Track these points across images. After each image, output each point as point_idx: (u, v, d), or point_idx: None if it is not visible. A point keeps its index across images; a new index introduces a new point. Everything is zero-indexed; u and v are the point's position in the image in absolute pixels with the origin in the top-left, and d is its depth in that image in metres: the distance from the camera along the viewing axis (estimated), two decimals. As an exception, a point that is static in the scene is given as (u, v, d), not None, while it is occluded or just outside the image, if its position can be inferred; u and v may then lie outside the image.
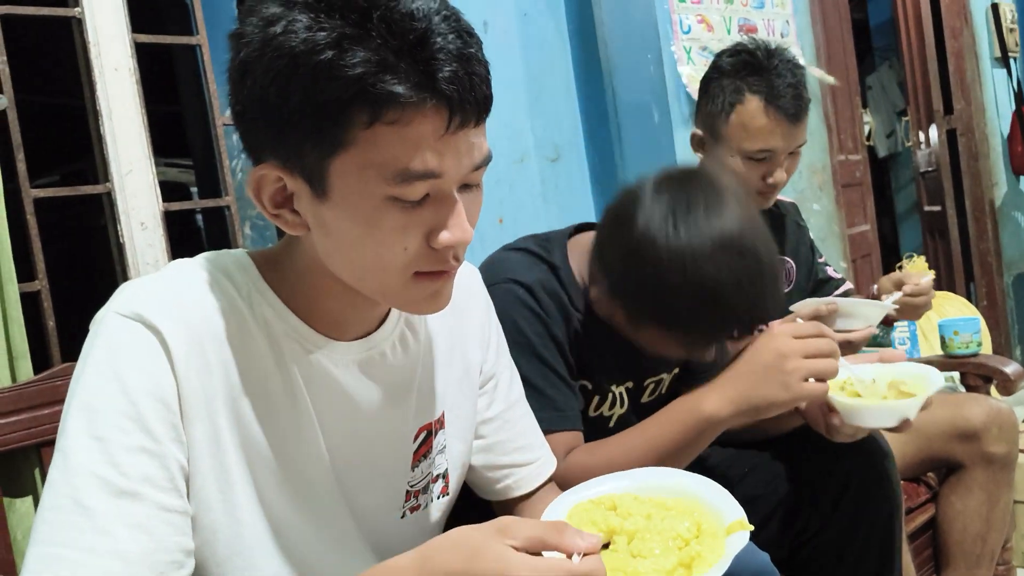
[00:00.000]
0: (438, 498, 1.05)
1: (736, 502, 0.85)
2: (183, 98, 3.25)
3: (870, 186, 3.73)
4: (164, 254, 1.76)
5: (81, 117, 1.79)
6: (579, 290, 1.34)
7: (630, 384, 1.42)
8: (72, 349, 1.62)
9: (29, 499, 1.49)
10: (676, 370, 1.49)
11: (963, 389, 2.11)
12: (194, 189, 4.02)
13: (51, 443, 1.42)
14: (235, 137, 2.39)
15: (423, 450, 1.00)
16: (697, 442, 1.22)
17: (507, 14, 2.38)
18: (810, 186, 3.11)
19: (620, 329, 1.27)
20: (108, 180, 1.71)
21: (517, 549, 0.68)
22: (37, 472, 1.48)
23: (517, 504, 1.13)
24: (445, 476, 1.05)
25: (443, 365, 1.02)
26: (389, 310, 0.95)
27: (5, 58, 1.58)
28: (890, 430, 1.20)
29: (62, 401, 1.43)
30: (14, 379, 1.48)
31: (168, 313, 0.80)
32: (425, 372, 1.00)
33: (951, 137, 4.25)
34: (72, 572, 0.72)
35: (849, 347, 1.57)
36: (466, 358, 1.06)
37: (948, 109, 4.22)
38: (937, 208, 4.36)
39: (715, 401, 1.19)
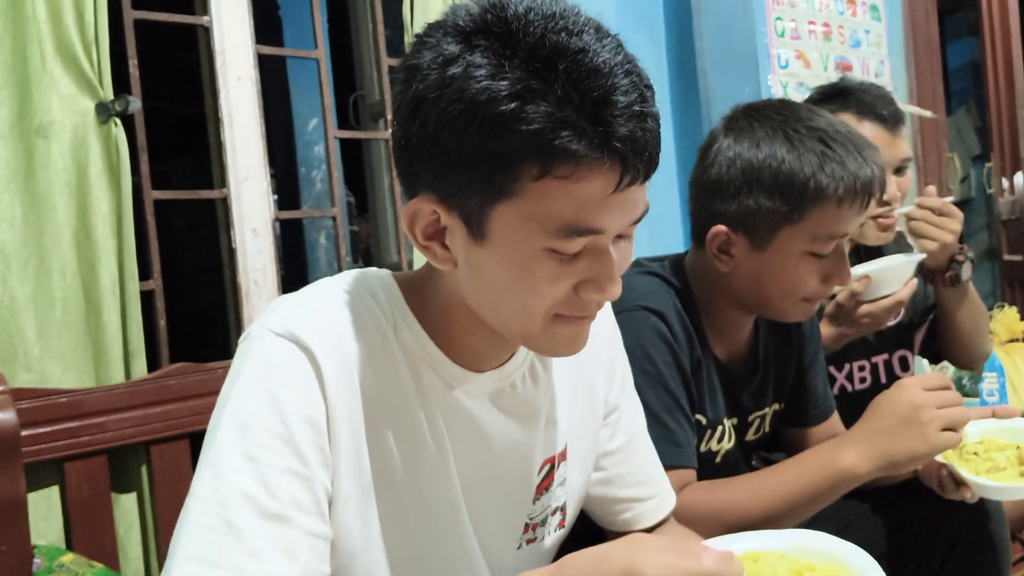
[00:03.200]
0: (554, 531, 1.04)
1: (881, 571, 0.82)
2: (270, 108, 3.32)
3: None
4: (273, 261, 1.78)
5: (191, 122, 1.83)
6: (700, 316, 1.33)
7: (736, 420, 1.41)
8: (179, 350, 1.66)
9: (134, 495, 1.52)
10: (776, 406, 1.47)
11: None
12: (274, 197, 4.10)
13: (160, 441, 1.48)
14: (317, 148, 2.44)
15: (546, 483, 1.00)
16: (830, 495, 1.19)
17: (609, 41, 2.38)
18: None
19: (746, 289, 1.28)
20: (225, 186, 1.74)
21: None
22: (144, 469, 1.51)
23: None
24: (563, 509, 1.04)
25: (568, 395, 1.02)
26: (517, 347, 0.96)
27: (136, 61, 1.62)
28: None
29: (173, 400, 1.49)
30: (128, 376, 1.51)
31: (321, 335, 0.81)
32: (551, 404, 0.99)
33: (1036, 185, 4.16)
34: None
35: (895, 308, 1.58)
36: (591, 389, 1.05)
37: (1035, 157, 4.14)
38: (1018, 257, 4.27)
39: (854, 456, 1.16)
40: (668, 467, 1.21)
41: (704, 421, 1.34)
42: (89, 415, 1.41)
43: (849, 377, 1.78)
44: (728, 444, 1.38)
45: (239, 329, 1.76)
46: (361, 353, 0.83)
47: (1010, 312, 2.80)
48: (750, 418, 1.43)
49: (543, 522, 1.02)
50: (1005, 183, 4.33)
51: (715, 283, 1.33)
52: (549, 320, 0.81)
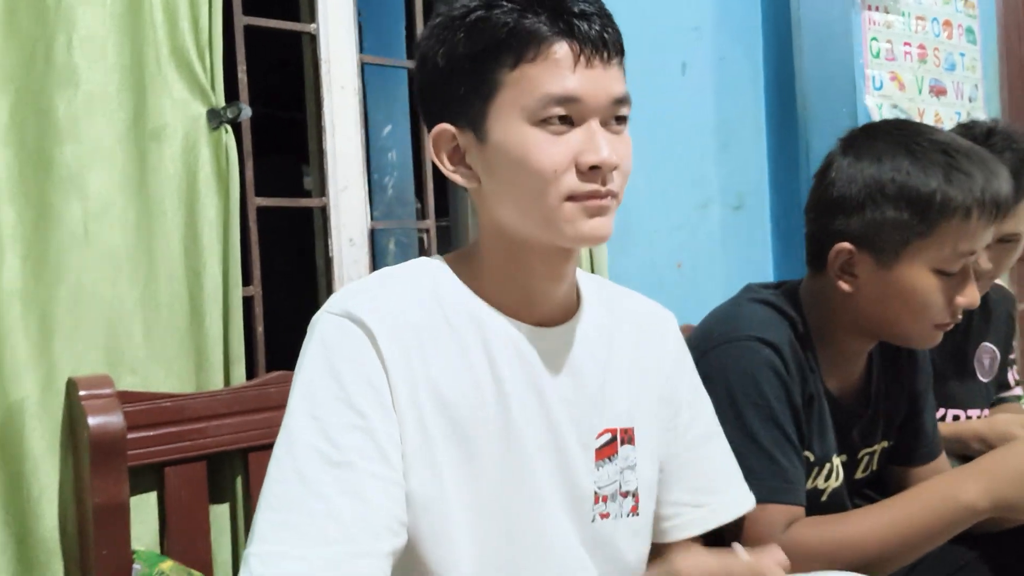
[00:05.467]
0: (627, 515, 1.05)
1: None
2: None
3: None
4: (368, 271, 1.78)
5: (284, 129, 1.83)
6: (814, 347, 1.29)
7: (845, 457, 1.36)
8: (276, 358, 1.65)
9: (227, 506, 1.51)
10: (885, 443, 1.42)
11: None
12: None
13: (258, 448, 1.47)
14: (390, 155, 2.39)
15: (608, 452, 1.03)
16: (948, 532, 1.15)
17: (705, 57, 2.35)
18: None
19: (871, 311, 1.25)
20: (325, 195, 1.74)
21: None
22: (240, 480, 1.50)
23: (667, 548, 1.11)
24: (635, 495, 1.06)
25: (634, 379, 1.06)
26: (577, 308, 1.03)
27: (245, 67, 1.62)
28: None
29: (272, 408, 1.48)
30: (227, 382, 1.50)
31: (373, 307, 0.91)
32: (612, 379, 1.04)
33: None
34: (295, 534, 0.81)
35: None
36: (660, 391, 1.10)
37: None
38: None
39: (974, 491, 1.12)
40: (778, 503, 1.17)
41: (812, 458, 1.29)
42: (191, 420, 1.41)
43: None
44: (835, 483, 1.34)
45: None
46: (412, 320, 0.92)
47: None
48: (859, 455, 1.39)
49: (613, 497, 1.03)
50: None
51: (834, 309, 1.29)
52: (563, 201, 0.90)
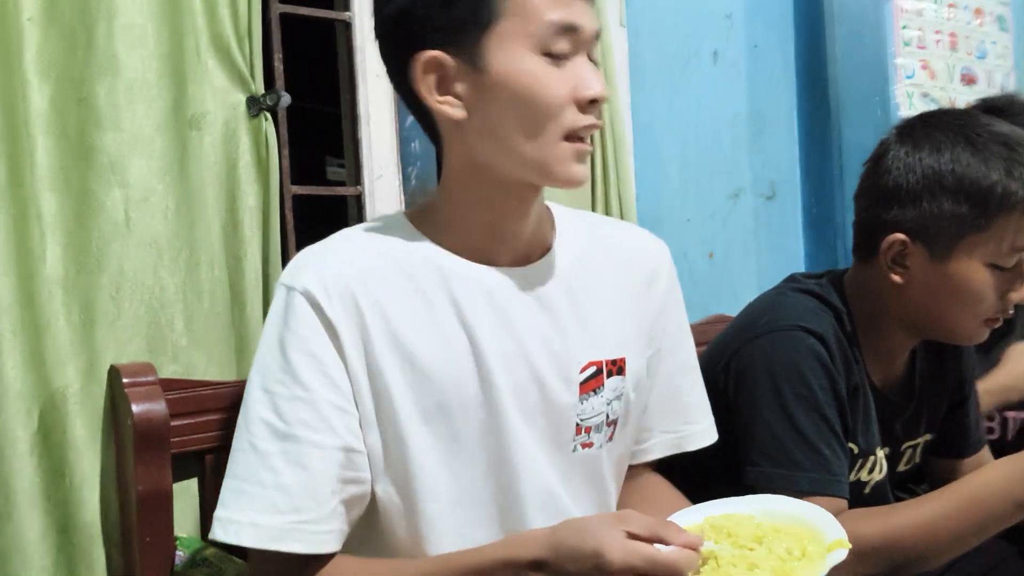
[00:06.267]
0: (608, 441, 1.08)
1: (840, 525, 0.91)
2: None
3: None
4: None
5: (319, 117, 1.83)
6: (859, 338, 1.27)
7: (888, 450, 1.34)
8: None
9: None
10: (928, 436, 1.41)
11: None
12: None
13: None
14: (413, 145, 2.35)
15: (593, 384, 1.04)
16: (999, 526, 1.12)
17: (738, 46, 2.33)
18: None
19: (921, 304, 1.23)
20: (360, 183, 1.74)
21: (632, 536, 0.81)
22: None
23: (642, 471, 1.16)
24: (615, 424, 1.08)
25: (623, 316, 1.08)
26: (549, 247, 1.04)
27: (281, 56, 1.62)
28: None
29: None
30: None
31: (318, 277, 0.93)
32: (597, 310, 1.06)
33: None
34: (249, 502, 0.90)
35: None
36: (646, 318, 1.11)
37: None
38: None
39: None
40: (822, 495, 1.15)
41: (856, 450, 1.27)
42: (232, 408, 1.40)
43: None
44: (879, 475, 1.32)
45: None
46: (366, 277, 0.95)
47: None
48: (903, 448, 1.37)
49: (599, 428, 1.06)
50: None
51: (881, 301, 1.27)
52: (561, 138, 0.92)
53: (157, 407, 1.30)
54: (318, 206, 1.88)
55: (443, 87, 0.93)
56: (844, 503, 1.19)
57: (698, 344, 1.23)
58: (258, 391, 0.93)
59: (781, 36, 2.44)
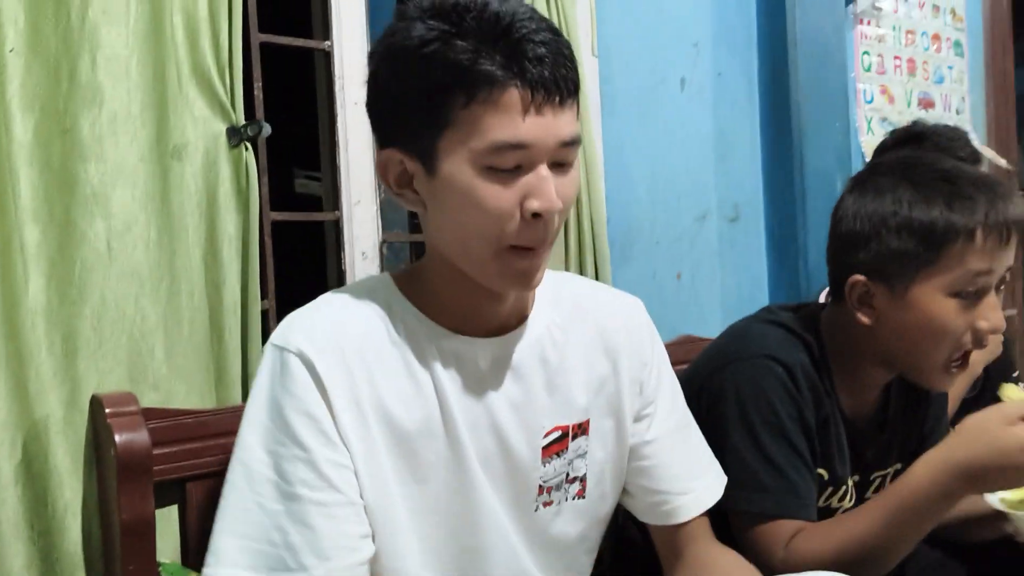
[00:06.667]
0: (573, 499, 1.11)
1: None
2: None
3: (1020, 271, 3.63)
4: (379, 284, 1.79)
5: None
6: (831, 370, 1.32)
7: (858, 477, 1.39)
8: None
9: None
10: (898, 466, 1.45)
11: None
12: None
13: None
14: None
15: (557, 448, 1.08)
16: (935, 519, 1.16)
17: (704, 73, 2.39)
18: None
19: (893, 342, 1.27)
20: (338, 208, 1.76)
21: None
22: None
23: (675, 534, 1.17)
24: (583, 480, 1.11)
25: (591, 380, 1.11)
26: (526, 318, 1.07)
27: (261, 84, 1.64)
28: None
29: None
30: (246, 397, 1.51)
31: (313, 339, 0.95)
32: (566, 378, 1.08)
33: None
34: (258, 561, 0.91)
35: None
36: (627, 381, 1.13)
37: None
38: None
39: (955, 478, 1.12)
40: (789, 518, 1.21)
41: (826, 476, 1.32)
42: (213, 436, 1.42)
43: None
44: (848, 503, 1.37)
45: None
46: (357, 344, 0.97)
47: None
48: (872, 476, 1.42)
49: (558, 486, 1.09)
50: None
51: (855, 339, 1.32)
52: (503, 248, 0.93)
53: (139, 436, 1.31)
54: (293, 228, 1.89)
55: (403, 180, 0.96)
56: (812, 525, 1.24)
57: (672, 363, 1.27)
58: (260, 451, 0.94)
59: (745, 63, 2.49)
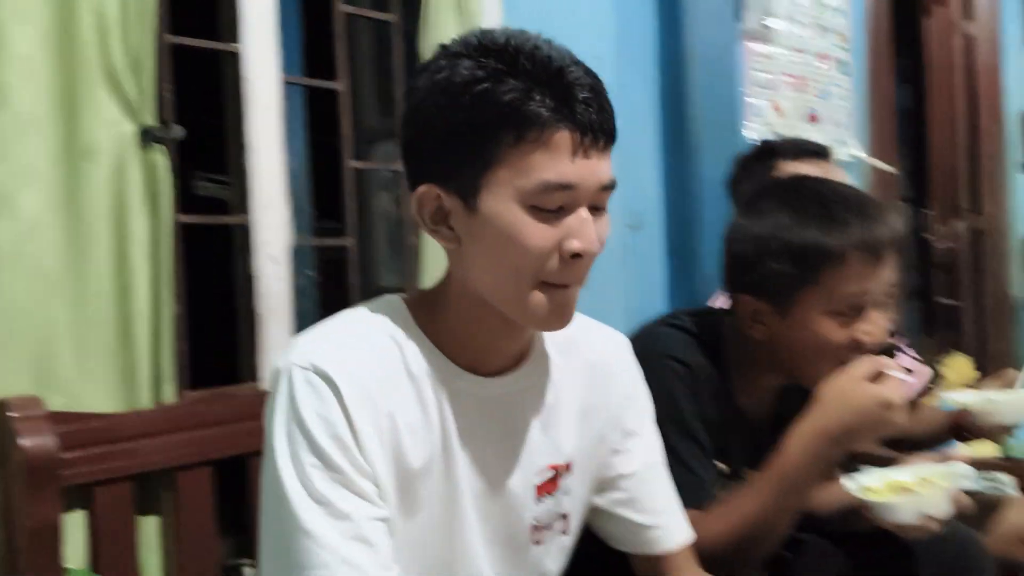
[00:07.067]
0: (558, 535, 1.13)
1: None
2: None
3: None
4: (288, 287, 1.80)
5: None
6: (729, 373, 1.40)
7: (754, 473, 1.47)
8: (198, 376, 1.66)
9: (156, 523, 1.52)
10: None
11: (1019, 493, 2.18)
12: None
13: (187, 467, 1.48)
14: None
15: (550, 487, 1.10)
16: (810, 485, 1.28)
17: (606, 85, 2.44)
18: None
19: (783, 355, 1.35)
20: (246, 212, 1.76)
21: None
22: (169, 498, 1.51)
23: (656, 563, 1.20)
24: (566, 517, 1.13)
25: (581, 417, 1.12)
26: (528, 355, 1.07)
27: (170, 86, 1.63)
28: (927, 528, 1.27)
29: (202, 427, 1.50)
30: (155, 401, 1.51)
31: (339, 362, 0.93)
32: (560, 418, 1.10)
33: (973, 235, 4.39)
34: None
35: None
36: (609, 415, 1.15)
37: (973, 207, 4.37)
38: (953, 302, 4.49)
39: (823, 442, 1.25)
40: (700, 507, 1.28)
41: (727, 471, 1.40)
42: (121, 440, 1.41)
43: None
44: None
45: (254, 356, 1.77)
46: (376, 374, 0.95)
47: (961, 360, 2.94)
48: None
49: (549, 526, 1.11)
50: (943, 230, 4.55)
51: (751, 348, 1.40)
52: (538, 284, 0.93)
53: (45, 440, 1.30)
54: (196, 232, 1.88)
55: (439, 217, 0.96)
56: None
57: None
58: (294, 482, 0.90)
59: (645, 77, 2.58)
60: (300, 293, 2.98)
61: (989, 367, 4.25)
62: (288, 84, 1.88)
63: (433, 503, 1.00)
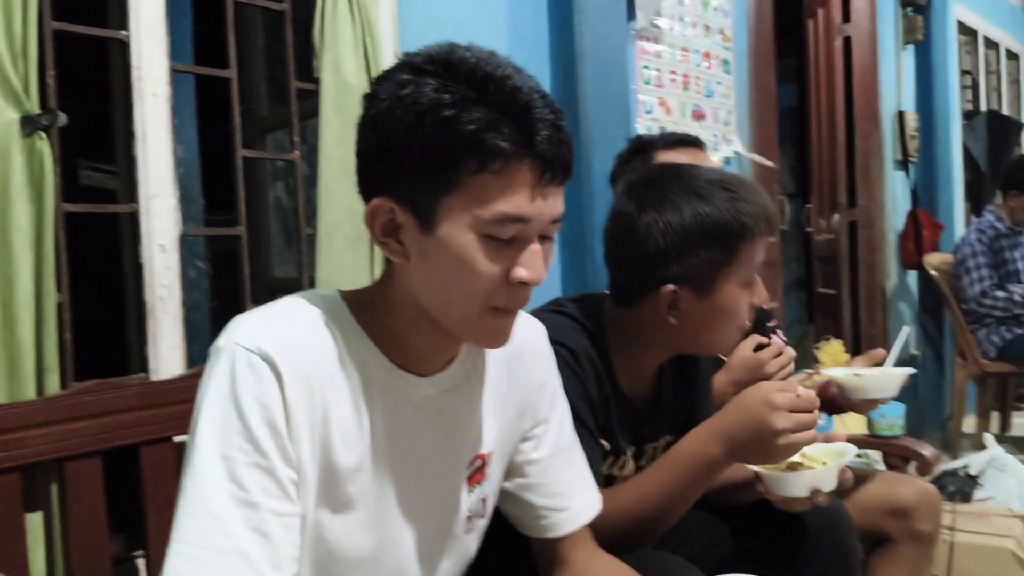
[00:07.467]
0: (480, 519, 1.18)
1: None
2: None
3: (780, 265, 4.02)
4: (179, 278, 1.79)
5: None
6: (610, 357, 1.47)
7: (634, 449, 1.55)
8: (83, 366, 1.64)
9: (41, 515, 1.50)
10: (669, 438, 1.63)
11: (884, 468, 2.33)
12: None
13: (74, 458, 1.47)
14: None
15: (478, 477, 1.14)
16: (701, 486, 1.36)
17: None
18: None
19: (692, 334, 1.43)
20: (135, 201, 1.74)
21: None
22: (55, 488, 1.49)
23: (554, 545, 1.25)
24: (485, 500, 1.18)
25: (500, 403, 1.16)
26: (456, 354, 1.09)
27: (54, 73, 1.60)
28: (815, 501, 1.37)
29: (88, 417, 1.50)
30: (40, 391, 1.49)
31: (283, 349, 0.93)
32: (485, 410, 1.13)
33: (851, 228, 4.62)
34: (206, 571, 0.87)
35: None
36: (523, 401, 1.19)
37: (851, 202, 4.60)
38: (832, 291, 4.71)
39: (715, 445, 1.32)
40: None
41: (609, 447, 1.47)
42: (6, 431, 1.39)
43: None
44: (628, 472, 1.53)
45: (143, 346, 1.76)
46: (317, 363, 0.95)
47: (835, 344, 3.10)
48: (646, 447, 1.58)
49: (480, 513, 1.16)
50: (823, 223, 4.77)
51: (636, 333, 1.47)
52: (485, 309, 0.95)
53: (-75, 432, 1.27)
54: (83, 221, 1.85)
55: (389, 230, 0.96)
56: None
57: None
58: (214, 456, 0.89)
59: (538, 73, 2.61)
60: (193, 284, 2.97)
61: (863, 351, 4.51)
62: (177, 72, 1.86)
63: (363, 502, 1.01)
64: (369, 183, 0.97)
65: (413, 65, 0.92)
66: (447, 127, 0.88)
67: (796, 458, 1.41)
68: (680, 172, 1.44)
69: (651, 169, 1.50)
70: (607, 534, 1.33)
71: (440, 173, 0.90)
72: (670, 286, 1.40)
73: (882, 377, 1.84)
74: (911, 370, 1.88)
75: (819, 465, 1.41)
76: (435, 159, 0.89)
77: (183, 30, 2.80)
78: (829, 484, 1.36)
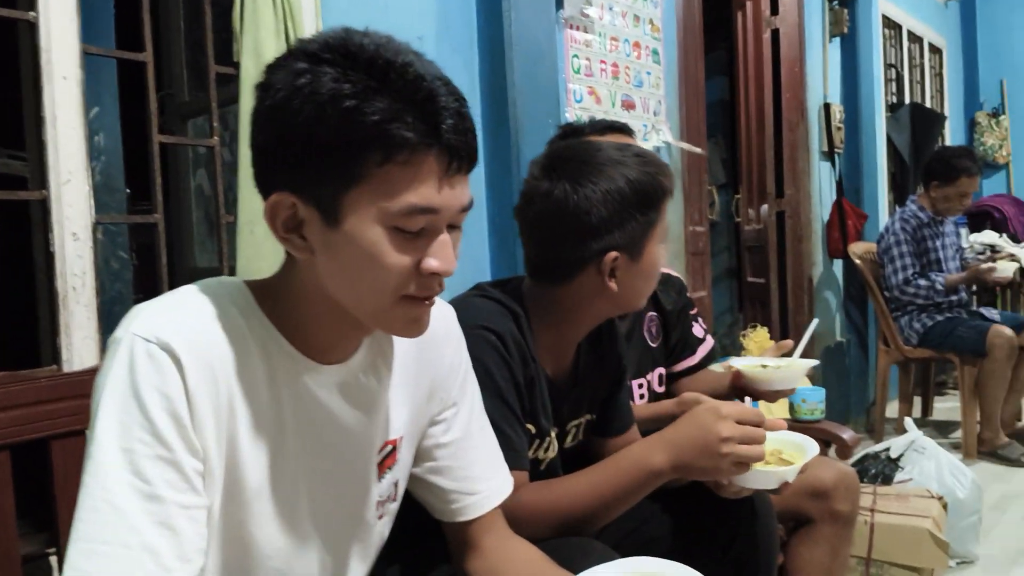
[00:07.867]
0: (390, 503, 1.17)
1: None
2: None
3: (710, 255, 4.08)
4: (92, 266, 1.74)
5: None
6: (534, 338, 1.47)
7: (557, 430, 1.56)
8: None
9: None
10: (589, 416, 1.64)
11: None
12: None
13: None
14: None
15: (389, 463, 1.13)
16: (640, 493, 1.37)
17: (427, 67, 2.48)
18: (669, 255, 3.39)
19: (625, 296, 1.47)
20: (45, 188, 1.69)
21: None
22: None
23: (465, 528, 1.24)
24: (396, 484, 1.17)
25: (410, 388, 1.15)
26: (363, 340, 1.08)
27: (-43, 54, 1.54)
28: (771, 492, 1.40)
29: (2, 410, 1.43)
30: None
31: (183, 336, 0.90)
32: (394, 396, 1.12)
33: (779, 218, 4.70)
34: (112, 566, 0.84)
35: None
36: (433, 385, 1.19)
37: (779, 193, 4.67)
38: (761, 280, 4.79)
39: (660, 458, 1.34)
40: (515, 471, 1.34)
41: (535, 430, 1.48)
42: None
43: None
44: (552, 454, 1.53)
45: (55, 336, 1.70)
46: (220, 353, 0.93)
47: (761, 332, 3.17)
48: (568, 426, 1.59)
49: (392, 498, 1.16)
50: (752, 213, 4.85)
51: (568, 308, 1.49)
52: (398, 299, 0.94)
53: None
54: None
55: (291, 225, 0.93)
56: (526, 475, 1.40)
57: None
58: (115, 449, 0.86)
59: (467, 60, 2.62)
60: (115, 275, 2.90)
61: (792, 337, 4.60)
62: (96, 57, 1.81)
63: (271, 492, 0.99)
64: (267, 178, 0.93)
65: (309, 53, 0.88)
66: (349, 118, 0.85)
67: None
68: (594, 146, 1.46)
69: (560, 148, 1.50)
70: (538, 527, 1.33)
71: (343, 166, 0.87)
72: (613, 253, 1.42)
73: (786, 369, 1.89)
74: (815, 362, 1.92)
75: (776, 455, 1.42)
76: (338, 152, 0.87)
77: (104, 13, 2.73)
78: (793, 478, 1.37)
